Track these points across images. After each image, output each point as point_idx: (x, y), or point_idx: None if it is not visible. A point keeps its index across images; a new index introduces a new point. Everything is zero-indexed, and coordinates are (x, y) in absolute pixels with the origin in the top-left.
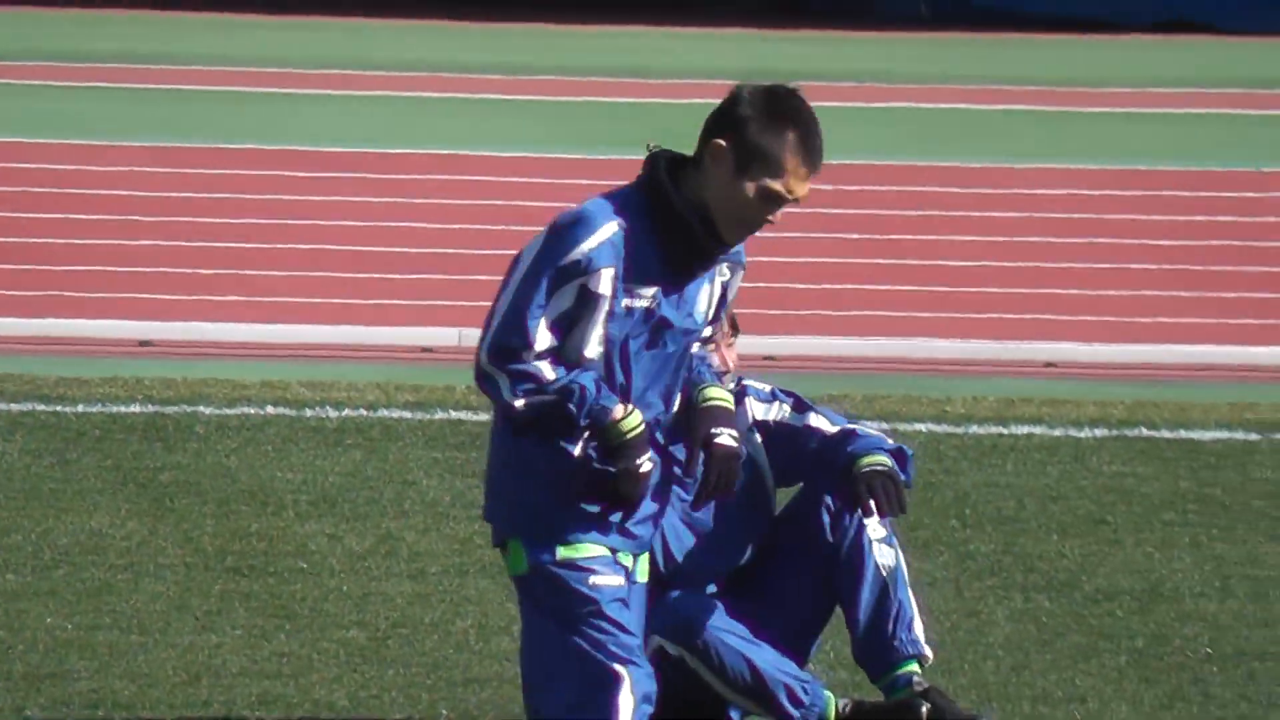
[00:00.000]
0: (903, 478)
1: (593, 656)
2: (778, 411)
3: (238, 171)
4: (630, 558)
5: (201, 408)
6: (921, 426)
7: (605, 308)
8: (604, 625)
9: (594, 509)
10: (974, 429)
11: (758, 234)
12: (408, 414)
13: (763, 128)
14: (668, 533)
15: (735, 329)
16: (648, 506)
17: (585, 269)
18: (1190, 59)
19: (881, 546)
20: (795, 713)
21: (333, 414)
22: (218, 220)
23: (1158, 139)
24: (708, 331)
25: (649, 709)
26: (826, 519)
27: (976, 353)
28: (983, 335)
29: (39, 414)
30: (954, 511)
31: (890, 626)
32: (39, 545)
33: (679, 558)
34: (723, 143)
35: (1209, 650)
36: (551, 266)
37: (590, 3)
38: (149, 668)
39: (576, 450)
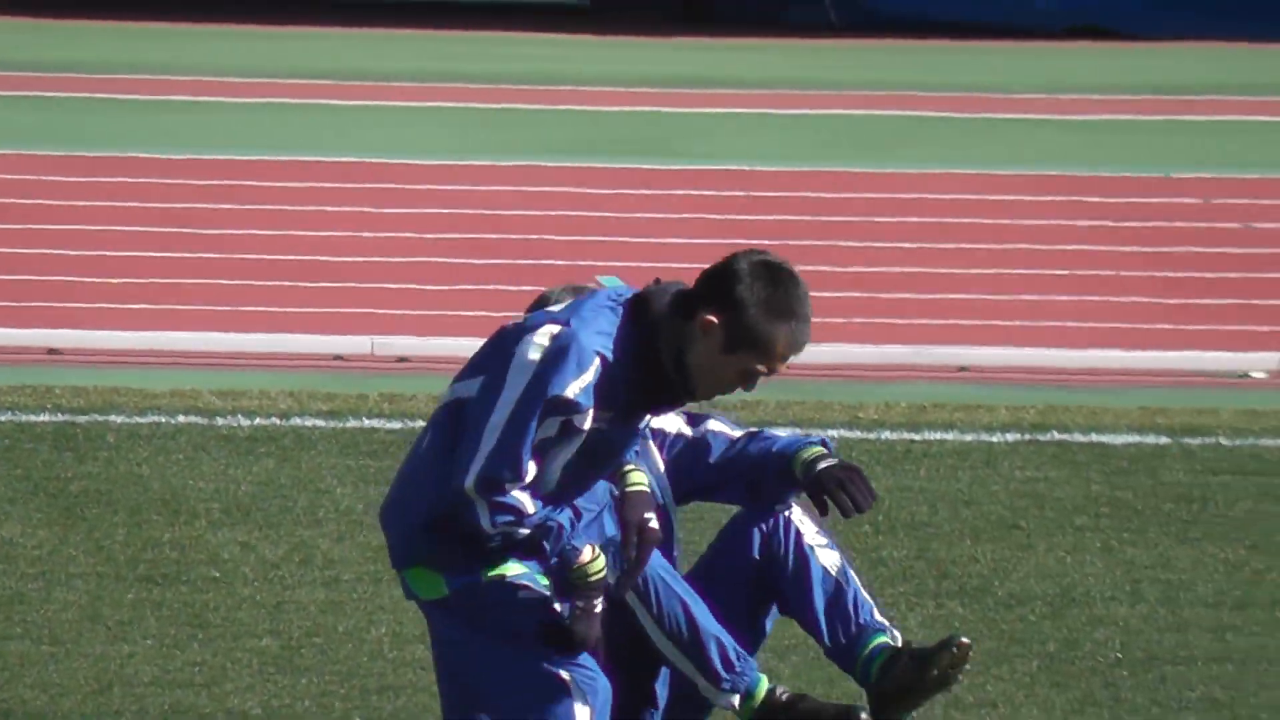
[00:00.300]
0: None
1: (543, 668)
2: (674, 423)
3: (145, 180)
4: (547, 584)
5: (112, 416)
6: (834, 432)
7: (581, 440)
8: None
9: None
10: (886, 434)
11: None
12: (320, 422)
13: (761, 317)
14: None
15: None
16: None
17: (573, 408)
18: (1100, 65)
19: (824, 551)
20: (724, 674)
21: (245, 422)
22: (126, 229)
23: (1068, 145)
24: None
25: (607, 712)
26: (757, 538)
27: (889, 358)
28: (895, 340)
29: None
30: (866, 517)
31: (854, 615)
32: None
33: None
34: (715, 320)
35: (1120, 654)
36: (542, 400)
37: (501, 10)
38: (60, 677)
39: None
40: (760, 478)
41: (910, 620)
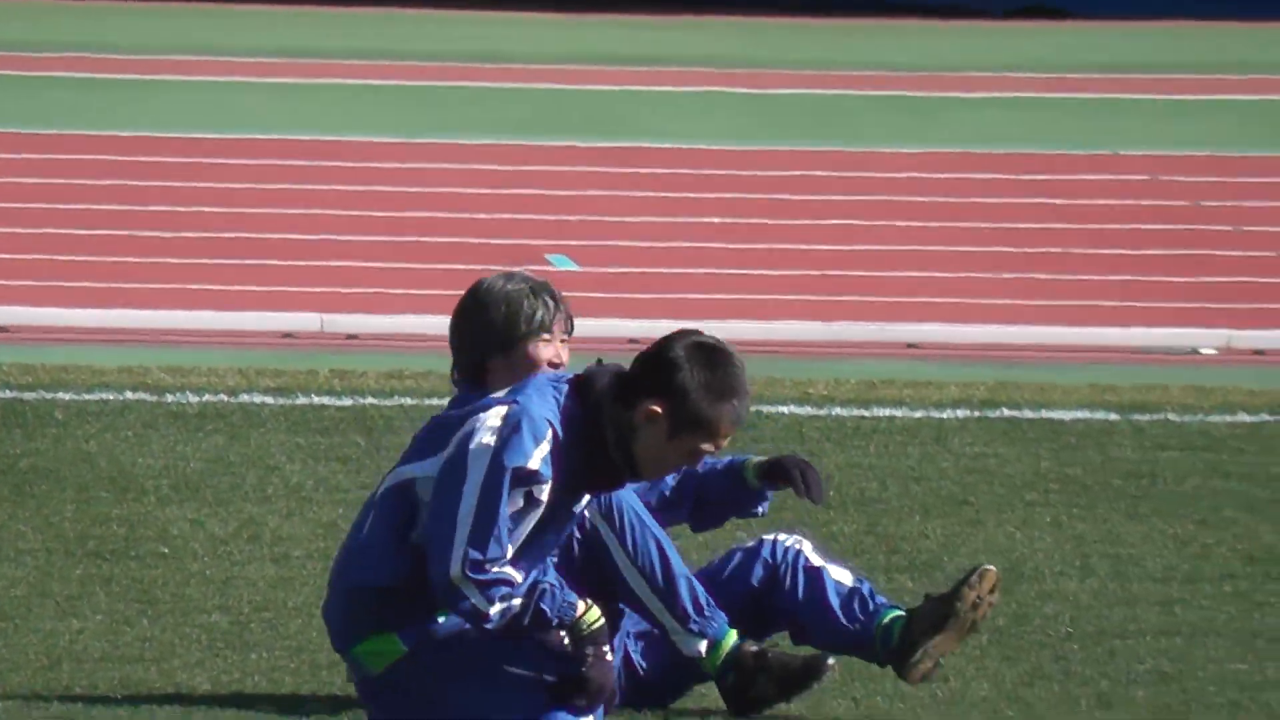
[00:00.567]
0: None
1: (529, 689)
2: None
3: (93, 157)
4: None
5: (60, 394)
6: (784, 409)
7: (540, 511)
8: (528, 650)
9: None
10: (836, 411)
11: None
12: (269, 399)
13: (703, 401)
14: None
15: (571, 328)
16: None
17: (534, 479)
18: (1046, 44)
19: (834, 568)
20: (693, 616)
21: (193, 399)
22: (74, 206)
23: (1015, 123)
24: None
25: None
26: (760, 569)
27: (838, 335)
28: (845, 317)
29: None
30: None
31: (870, 599)
32: None
33: None
34: (658, 409)
35: (1070, 629)
36: (508, 472)
37: None
38: (9, 653)
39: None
40: (706, 490)
41: None
